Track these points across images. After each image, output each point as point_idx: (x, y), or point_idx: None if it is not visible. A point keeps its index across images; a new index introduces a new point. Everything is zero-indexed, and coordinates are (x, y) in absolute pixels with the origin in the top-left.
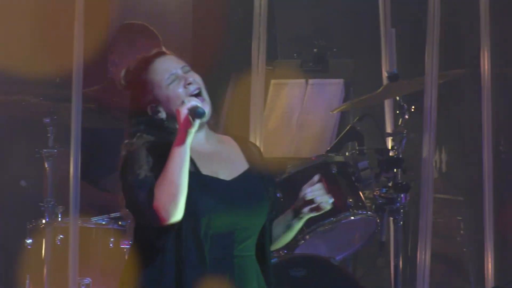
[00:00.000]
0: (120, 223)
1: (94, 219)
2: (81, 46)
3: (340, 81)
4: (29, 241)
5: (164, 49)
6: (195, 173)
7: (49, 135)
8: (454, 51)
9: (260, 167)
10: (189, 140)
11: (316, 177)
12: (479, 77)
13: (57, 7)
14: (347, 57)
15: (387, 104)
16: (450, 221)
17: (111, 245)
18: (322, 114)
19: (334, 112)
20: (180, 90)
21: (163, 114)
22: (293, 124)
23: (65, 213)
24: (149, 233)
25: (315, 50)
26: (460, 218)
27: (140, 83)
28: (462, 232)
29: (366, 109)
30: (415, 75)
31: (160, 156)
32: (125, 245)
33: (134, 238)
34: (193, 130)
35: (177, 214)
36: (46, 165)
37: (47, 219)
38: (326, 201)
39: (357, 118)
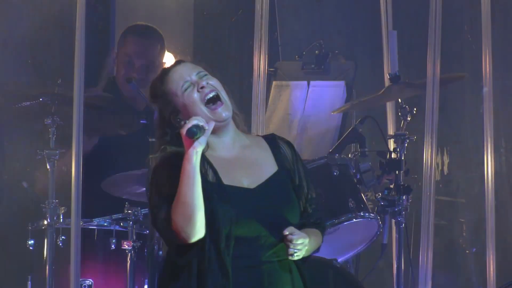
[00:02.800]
0: (122, 224)
1: (96, 220)
2: (83, 47)
3: (342, 83)
4: (31, 242)
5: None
6: (216, 184)
7: (50, 136)
8: (456, 53)
9: (291, 166)
10: (197, 160)
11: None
12: (481, 79)
13: (59, 8)
14: (349, 59)
15: (389, 106)
16: (451, 223)
17: (113, 246)
18: (324, 116)
19: (335, 113)
20: (195, 95)
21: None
22: (294, 126)
23: (67, 214)
24: (172, 250)
25: (316, 52)
26: (462, 220)
27: (161, 95)
28: (464, 234)
29: (369, 111)
30: (417, 77)
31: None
32: (127, 247)
33: (165, 253)
34: (198, 150)
35: (197, 233)
36: (48, 166)
37: (49, 220)
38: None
39: (359, 120)
